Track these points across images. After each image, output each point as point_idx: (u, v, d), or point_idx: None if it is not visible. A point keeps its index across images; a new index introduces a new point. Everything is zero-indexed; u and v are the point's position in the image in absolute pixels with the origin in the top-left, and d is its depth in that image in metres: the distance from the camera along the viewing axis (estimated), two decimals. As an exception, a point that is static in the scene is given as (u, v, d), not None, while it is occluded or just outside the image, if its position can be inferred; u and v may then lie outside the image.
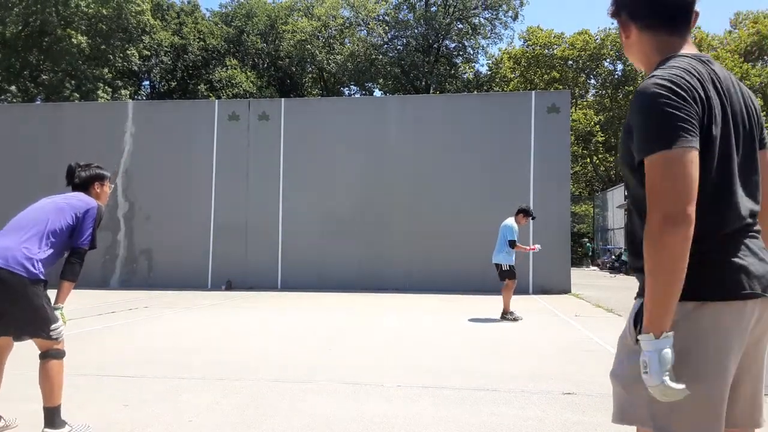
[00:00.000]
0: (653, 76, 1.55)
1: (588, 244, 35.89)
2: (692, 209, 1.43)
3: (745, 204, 1.56)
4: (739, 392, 1.56)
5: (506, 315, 8.99)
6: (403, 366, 5.43)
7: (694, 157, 1.46)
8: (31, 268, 3.35)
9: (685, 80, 1.52)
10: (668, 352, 1.42)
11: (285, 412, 3.94)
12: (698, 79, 1.54)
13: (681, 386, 1.41)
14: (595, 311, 10.25)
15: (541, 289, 13.84)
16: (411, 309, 10.44)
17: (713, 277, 1.50)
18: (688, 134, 1.46)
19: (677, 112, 1.47)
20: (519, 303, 11.58)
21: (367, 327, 8.12)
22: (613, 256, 30.58)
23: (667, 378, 1.41)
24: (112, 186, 3.92)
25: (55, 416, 3.35)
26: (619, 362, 1.61)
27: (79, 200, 3.55)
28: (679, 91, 1.50)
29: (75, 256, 3.53)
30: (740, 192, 1.56)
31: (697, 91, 1.52)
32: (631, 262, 1.66)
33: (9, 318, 3.33)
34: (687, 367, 1.47)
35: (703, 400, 1.47)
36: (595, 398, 4.30)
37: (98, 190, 3.76)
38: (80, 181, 3.73)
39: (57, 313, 3.40)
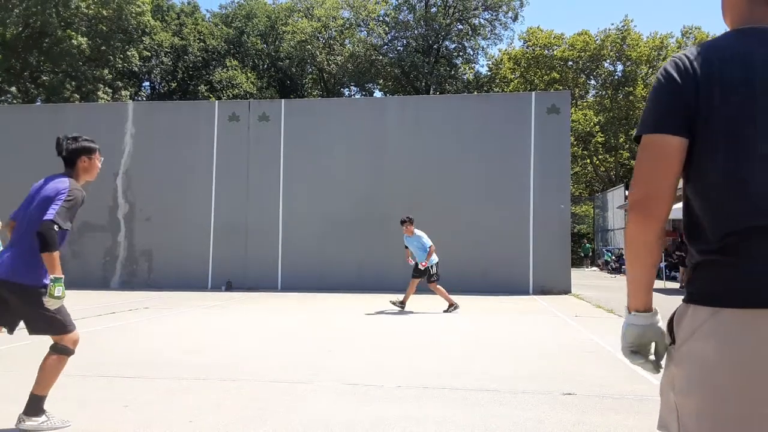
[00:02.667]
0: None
1: (587, 245, 35.82)
2: (651, 199, 1.40)
3: None
4: None
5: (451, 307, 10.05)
6: (403, 367, 5.43)
7: (666, 142, 1.37)
8: (34, 276, 3.45)
9: (688, 61, 1.39)
10: (630, 329, 1.47)
11: (285, 412, 3.94)
12: (719, 58, 1.37)
13: (640, 361, 1.46)
14: (595, 312, 10.24)
15: (542, 290, 13.83)
16: (411, 310, 10.44)
17: (721, 281, 1.34)
18: (666, 119, 1.38)
19: (661, 96, 1.41)
20: (519, 304, 11.59)
21: (367, 328, 8.12)
22: (614, 257, 30.58)
23: (628, 351, 1.47)
24: (102, 159, 3.88)
25: (37, 404, 3.47)
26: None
27: (55, 187, 3.55)
28: (674, 74, 1.40)
29: (39, 233, 3.33)
30: (761, 182, 1.31)
31: (702, 73, 1.36)
32: None
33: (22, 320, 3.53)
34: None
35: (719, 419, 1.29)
36: (595, 399, 4.29)
37: (85, 164, 3.70)
38: (67, 153, 3.69)
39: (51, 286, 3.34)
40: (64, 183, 3.53)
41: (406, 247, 10.36)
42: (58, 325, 3.48)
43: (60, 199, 3.42)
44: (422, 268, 10.05)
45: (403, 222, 10.15)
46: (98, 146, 3.86)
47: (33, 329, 3.52)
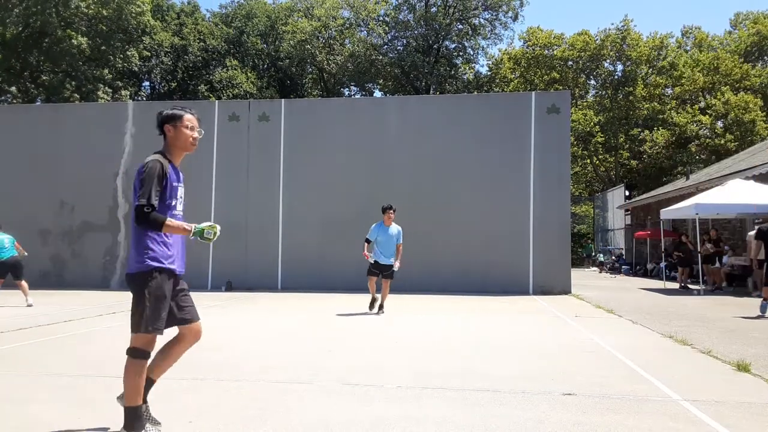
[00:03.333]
0: None
1: (590, 245, 35.77)
2: None
3: None
4: None
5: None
6: (402, 367, 5.43)
7: None
8: (133, 263, 3.33)
9: None
10: None
11: (285, 413, 3.94)
12: None
13: None
14: (595, 312, 10.24)
15: (542, 290, 13.83)
16: (411, 310, 10.44)
17: None
18: None
19: None
20: (519, 304, 11.59)
21: (367, 328, 8.12)
22: (613, 257, 30.58)
23: None
24: (198, 131, 3.63)
25: (128, 417, 3.24)
26: None
27: (136, 170, 3.38)
28: None
29: (135, 222, 3.27)
30: None
31: None
32: None
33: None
34: None
35: None
36: (595, 399, 4.29)
37: (171, 133, 3.48)
38: (157, 125, 3.52)
39: (199, 227, 3.31)
40: (143, 163, 3.38)
41: (368, 241, 9.66)
42: (134, 320, 3.36)
43: (137, 179, 3.29)
44: (395, 269, 9.68)
45: (389, 208, 9.59)
46: (187, 113, 3.55)
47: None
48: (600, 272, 28.62)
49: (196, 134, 3.56)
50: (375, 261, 9.60)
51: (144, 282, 3.29)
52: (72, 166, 15.51)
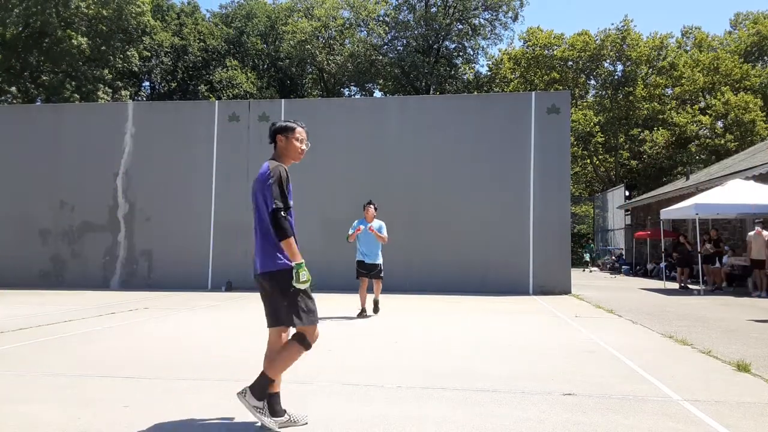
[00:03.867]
0: None
1: (591, 245, 35.71)
2: None
3: None
4: None
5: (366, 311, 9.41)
6: (403, 367, 5.43)
7: None
8: (272, 261, 3.63)
9: None
10: None
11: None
12: None
13: None
14: (595, 312, 10.24)
15: (541, 290, 13.84)
16: (411, 310, 10.44)
17: None
18: None
19: None
20: (519, 304, 11.59)
21: (367, 328, 8.12)
22: (613, 257, 30.58)
23: None
24: (306, 143, 3.91)
25: (259, 384, 3.53)
26: None
27: (260, 174, 3.70)
28: None
29: (272, 226, 3.57)
30: None
31: None
32: None
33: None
34: None
35: None
36: (595, 399, 4.30)
37: (282, 143, 3.78)
38: (269, 134, 3.84)
39: (303, 269, 3.55)
40: (263, 167, 3.70)
41: (350, 235, 9.26)
42: (293, 313, 3.56)
43: (268, 183, 3.58)
44: (379, 264, 9.38)
45: (369, 204, 9.41)
46: (299, 126, 3.85)
47: (273, 318, 3.69)
48: (601, 270, 28.62)
49: (304, 146, 3.86)
50: (360, 261, 9.38)
51: (288, 278, 3.54)
52: (72, 166, 15.51)
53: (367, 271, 9.38)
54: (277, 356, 3.61)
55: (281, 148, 3.78)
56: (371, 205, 9.37)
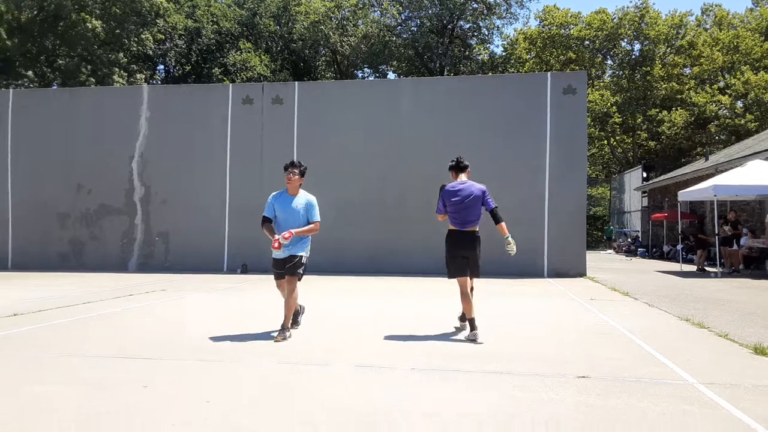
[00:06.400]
0: None
1: (611, 227, 35.45)
2: None
3: None
4: None
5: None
6: (416, 349, 5.46)
7: None
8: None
9: None
10: None
11: (299, 394, 3.98)
12: None
13: None
14: (611, 295, 10.20)
15: (556, 273, 13.78)
16: (425, 293, 10.46)
17: None
18: None
19: None
20: (534, 286, 11.56)
21: (380, 310, 8.16)
22: (629, 239, 30.35)
23: None
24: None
25: (465, 318, 6.11)
26: None
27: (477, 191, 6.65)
28: None
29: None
30: None
31: None
32: None
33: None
34: None
35: None
36: (609, 382, 4.29)
37: None
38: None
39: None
40: (482, 185, 6.84)
41: (266, 220, 6.24)
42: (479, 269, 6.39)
43: (487, 192, 6.60)
44: (303, 256, 6.21)
45: (291, 165, 6.23)
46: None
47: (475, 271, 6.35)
48: (617, 252, 28.44)
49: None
50: (272, 257, 6.15)
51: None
52: (88, 150, 15.65)
53: (280, 269, 6.16)
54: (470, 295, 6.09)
55: None
56: (295, 168, 6.17)
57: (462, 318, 6.29)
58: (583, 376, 4.42)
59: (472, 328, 5.88)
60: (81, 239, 15.78)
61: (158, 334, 6.23)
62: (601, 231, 37.52)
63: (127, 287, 10.94)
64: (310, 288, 11.10)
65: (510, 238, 6.15)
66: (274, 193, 6.38)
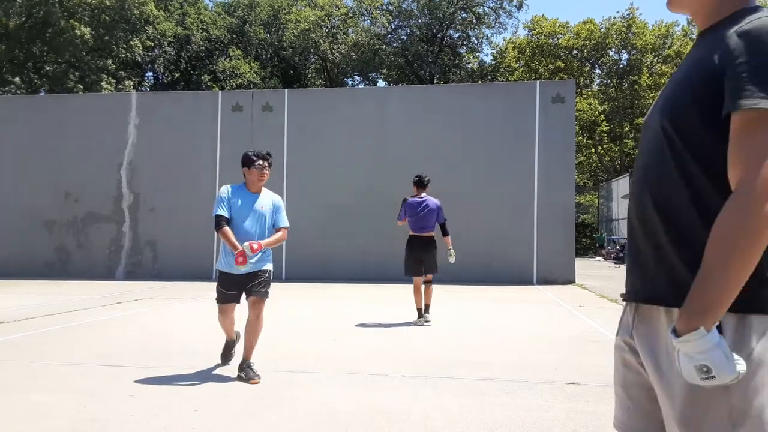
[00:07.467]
0: None
1: (602, 235, 35.62)
2: None
3: None
4: None
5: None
6: (407, 356, 5.45)
7: None
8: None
9: None
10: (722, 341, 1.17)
11: (290, 402, 3.97)
12: None
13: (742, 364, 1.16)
14: (599, 301, 10.25)
15: (546, 280, 13.83)
16: (412, 300, 10.43)
17: None
18: None
19: None
20: (523, 293, 11.60)
21: (371, 318, 8.14)
22: (618, 247, 30.53)
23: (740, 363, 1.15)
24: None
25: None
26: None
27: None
28: None
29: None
30: None
31: None
32: (680, 256, 1.30)
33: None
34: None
35: None
36: (598, 388, 4.31)
37: None
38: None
39: None
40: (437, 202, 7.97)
41: (220, 221, 4.83)
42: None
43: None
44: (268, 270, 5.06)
45: (257, 157, 5.03)
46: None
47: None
48: (605, 260, 28.60)
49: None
50: (222, 272, 5.11)
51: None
52: (76, 157, 15.53)
53: (235, 286, 5.11)
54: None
55: None
56: (266, 161, 5.07)
57: (419, 314, 7.51)
58: (573, 383, 4.44)
59: (420, 315, 7.44)
60: (67, 247, 15.62)
61: (146, 343, 6.18)
62: (589, 238, 37.71)
63: (115, 295, 10.84)
64: (300, 296, 11.06)
65: (452, 250, 8.09)
66: (227, 186, 5.04)
